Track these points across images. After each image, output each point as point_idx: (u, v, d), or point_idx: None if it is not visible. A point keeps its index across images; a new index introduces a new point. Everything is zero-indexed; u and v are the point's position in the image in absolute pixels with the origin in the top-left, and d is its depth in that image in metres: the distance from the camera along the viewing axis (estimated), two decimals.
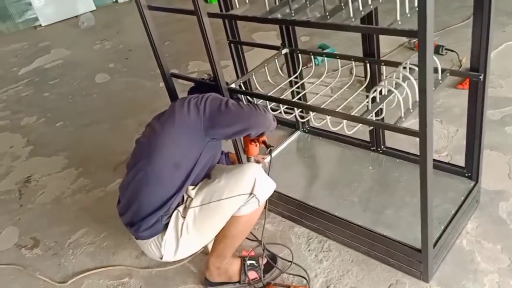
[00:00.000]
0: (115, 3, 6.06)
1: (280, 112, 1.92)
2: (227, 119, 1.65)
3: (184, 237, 1.65)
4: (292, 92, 2.24)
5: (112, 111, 3.47)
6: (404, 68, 1.69)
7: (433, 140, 2.24)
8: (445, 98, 2.71)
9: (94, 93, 3.83)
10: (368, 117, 1.55)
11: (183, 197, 1.70)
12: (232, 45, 2.42)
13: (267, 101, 1.91)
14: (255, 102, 1.93)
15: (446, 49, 3.16)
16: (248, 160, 2.03)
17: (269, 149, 1.97)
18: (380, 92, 1.68)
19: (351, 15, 1.43)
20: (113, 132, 3.19)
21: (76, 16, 5.73)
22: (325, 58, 2.11)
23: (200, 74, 3.73)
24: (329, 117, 1.68)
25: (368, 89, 1.99)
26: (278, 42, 2.27)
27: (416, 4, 1.36)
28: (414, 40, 3.31)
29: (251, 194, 1.63)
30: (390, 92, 1.61)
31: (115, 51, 4.61)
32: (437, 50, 3.16)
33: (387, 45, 3.27)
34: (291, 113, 1.89)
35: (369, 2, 1.49)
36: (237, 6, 1.77)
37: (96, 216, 2.43)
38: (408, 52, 3.31)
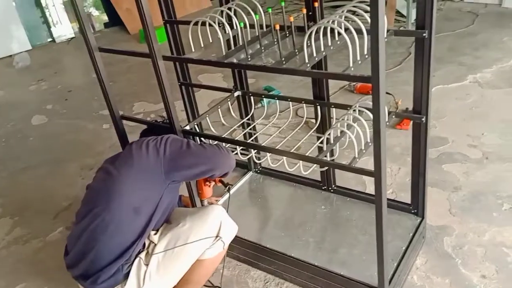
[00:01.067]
0: (52, 42, 5.89)
1: (236, 154, 1.92)
2: (189, 160, 1.62)
3: (147, 285, 1.57)
4: (245, 133, 2.26)
5: (51, 154, 3.30)
6: (354, 110, 1.78)
7: None
8: (387, 137, 2.86)
9: (31, 136, 3.63)
10: (322, 158, 1.60)
11: (144, 243, 1.62)
12: (183, 87, 2.42)
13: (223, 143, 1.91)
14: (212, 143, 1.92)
15: None
16: (202, 203, 2.00)
17: (227, 188, 1.95)
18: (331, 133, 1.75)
19: (306, 60, 1.49)
20: (52, 177, 3.02)
21: (11, 56, 5.48)
22: (276, 101, 2.17)
23: (146, 115, 3.68)
24: (285, 158, 1.71)
25: (319, 130, 2.06)
26: (224, 84, 2.31)
27: (365, 52, 1.47)
28: (354, 84, 3.50)
29: (217, 237, 1.60)
30: (342, 133, 1.68)
31: (53, 92, 4.43)
32: None
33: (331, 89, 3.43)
34: (247, 155, 1.90)
35: (322, 49, 1.57)
36: (193, 50, 1.79)
37: (35, 269, 2.24)
38: (348, 94, 3.49)
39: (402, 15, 4.61)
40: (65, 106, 4.08)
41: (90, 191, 1.69)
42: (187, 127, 1.95)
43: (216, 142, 1.78)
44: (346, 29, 1.44)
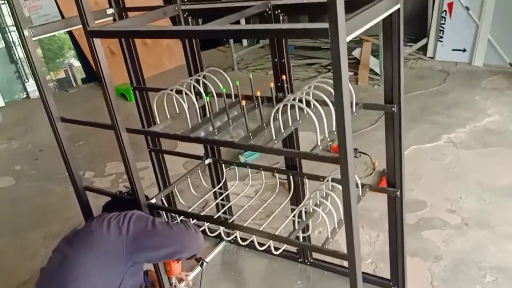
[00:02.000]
0: (26, 99, 5.80)
1: (204, 230, 1.82)
2: (155, 241, 1.51)
3: None
4: (217, 204, 2.16)
5: (15, 221, 3.12)
6: (327, 181, 1.72)
7: None
8: (364, 201, 2.78)
9: None
10: (294, 236, 1.51)
11: None
12: (152, 153, 2.34)
13: (190, 218, 1.81)
14: (178, 219, 1.82)
15: (360, 152, 3.34)
16: (170, 280, 1.87)
17: (200, 262, 1.84)
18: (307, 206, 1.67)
19: (274, 137, 1.44)
20: (13, 247, 2.83)
21: None
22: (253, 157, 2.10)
23: (118, 176, 3.56)
24: (255, 236, 1.61)
25: (292, 201, 1.99)
26: (195, 150, 2.23)
27: (334, 129, 1.42)
28: (330, 143, 3.47)
29: None
30: (315, 208, 1.60)
31: (23, 151, 4.29)
32: None
33: (307, 147, 3.39)
34: (216, 231, 1.80)
35: (290, 124, 1.53)
36: (158, 121, 1.73)
37: None
38: (326, 154, 3.45)
39: (376, 73, 4.70)
40: (34, 166, 3.93)
41: (44, 276, 1.55)
42: (153, 200, 1.86)
43: (183, 220, 1.68)
44: (317, 101, 1.41)
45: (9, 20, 5.75)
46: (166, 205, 2.12)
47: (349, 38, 1.10)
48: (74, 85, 6.09)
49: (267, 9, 1.62)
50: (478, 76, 4.53)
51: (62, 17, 5.88)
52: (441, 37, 5.05)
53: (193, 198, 2.11)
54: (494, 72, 4.55)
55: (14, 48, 5.77)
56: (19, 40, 5.92)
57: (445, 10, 4.95)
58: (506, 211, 2.55)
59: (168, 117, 1.73)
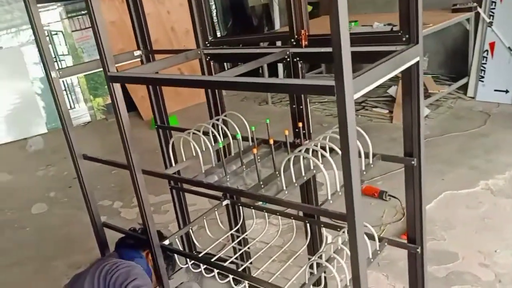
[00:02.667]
0: None
1: (214, 276, 1.78)
2: None
3: None
4: (234, 247, 2.12)
5: (43, 249, 3.19)
6: (344, 232, 1.65)
7: None
8: (390, 249, 2.67)
9: (27, 226, 3.56)
10: None
11: None
12: (173, 190, 2.35)
13: (201, 263, 1.78)
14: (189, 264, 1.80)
15: (389, 195, 3.22)
16: None
17: None
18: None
19: (284, 187, 1.40)
20: (39, 275, 2.89)
21: (25, 138, 5.62)
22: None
23: None
24: None
25: (309, 248, 1.92)
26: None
27: (363, 169, 1.37)
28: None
29: None
30: (330, 259, 1.53)
31: (58, 178, 4.44)
32: (381, 196, 3.22)
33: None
34: (227, 277, 1.76)
35: (303, 173, 1.49)
36: (172, 164, 1.74)
37: None
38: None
39: None
40: (67, 194, 4.05)
41: None
42: (166, 242, 1.84)
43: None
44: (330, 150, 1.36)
45: (59, 49, 6.11)
46: (183, 244, 2.10)
47: (357, 96, 1.06)
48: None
49: (286, 56, 1.62)
50: None
51: None
52: (482, 77, 4.88)
53: (212, 238, 2.09)
54: None
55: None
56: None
57: (487, 50, 4.81)
58: None
59: (184, 159, 1.74)
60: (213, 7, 6.69)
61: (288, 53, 1.61)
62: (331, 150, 1.44)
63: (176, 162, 1.93)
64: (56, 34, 6.08)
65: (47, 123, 5.87)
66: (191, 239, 2.13)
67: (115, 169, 4.28)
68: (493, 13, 4.71)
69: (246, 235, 2.09)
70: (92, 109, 6.20)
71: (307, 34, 1.58)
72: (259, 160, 1.66)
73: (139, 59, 2.08)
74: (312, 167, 1.49)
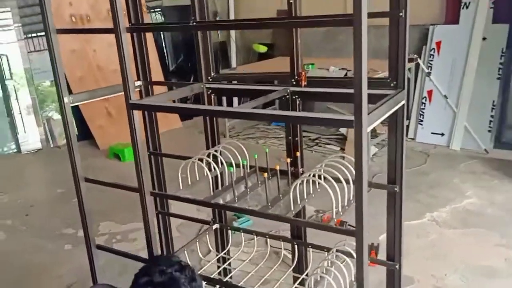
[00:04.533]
0: (17, 153, 5.84)
1: None
2: None
3: None
4: (221, 269, 2.25)
5: (4, 279, 3.08)
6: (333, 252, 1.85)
7: None
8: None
9: None
10: None
11: None
12: (160, 215, 2.44)
13: None
14: None
15: (349, 225, 3.48)
16: None
17: None
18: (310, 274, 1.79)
19: (292, 208, 1.60)
20: None
21: None
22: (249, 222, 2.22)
23: (112, 236, 3.59)
24: None
25: (295, 269, 2.10)
26: (198, 214, 2.35)
27: (351, 198, 1.59)
28: (321, 215, 3.63)
29: None
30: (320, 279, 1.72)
31: (13, 205, 4.28)
32: (341, 225, 3.48)
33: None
34: None
35: (305, 196, 1.69)
36: (181, 187, 1.87)
37: None
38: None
39: None
40: (25, 222, 3.92)
41: None
42: None
43: None
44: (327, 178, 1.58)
45: (7, 73, 5.94)
46: None
47: (369, 129, 1.30)
48: (51, 143, 6.09)
49: (286, 94, 1.85)
50: (456, 159, 4.85)
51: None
52: (421, 121, 5.43)
53: (197, 262, 2.20)
54: (471, 156, 4.89)
55: (10, 100, 5.89)
56: (16, 92, 6.02)
57: (425, 97, 5.39)
58: None
59: (181, 186, 1.88)
60: (164, 43, 6.86)
61: (288, 91, 1.84)
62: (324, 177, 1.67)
63: (164, 186, 2.04)
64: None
65: None
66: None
67: (75, 197, 4.22)
68: (431, 64, 5.32)
69: (235, 257, 2.23)
70: (43, 134, 6.02)
71: (306, 75, 1.82)
72: (260, 185, 1.85)
73: (138, 89, 2.21)
74: (311, 191, 1.70)
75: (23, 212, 4.11)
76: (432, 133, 5.36)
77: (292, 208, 1.59)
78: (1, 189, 4.68)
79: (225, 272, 2.25)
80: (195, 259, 2.21)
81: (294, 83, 1.85)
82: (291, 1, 1.70)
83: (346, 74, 4.78)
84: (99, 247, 2.07)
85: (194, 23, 1.92)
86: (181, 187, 1.84)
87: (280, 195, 1.71)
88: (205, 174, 1.84)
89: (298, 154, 1.87)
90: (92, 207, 4.11)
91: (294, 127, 1.90)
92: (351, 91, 1.72)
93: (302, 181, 1.62)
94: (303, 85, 1.82)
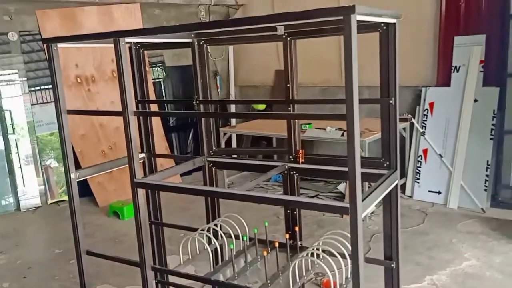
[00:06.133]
0: (16, 211, 5.84)
1: None
2: None
3: None
4: None
5: None
6: None
7: None
8: None
9: None
10: None
11: None
12: (159, 285, 2.45)
13: None
14: None
15: None
16: None
17: None
18: None
19: (291, 286, 1.63)
20: None
21: None
22: None
23: None
24: None
25: None
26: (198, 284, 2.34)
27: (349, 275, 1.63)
28: (321, 277, 3.61)
29: None
30: None
31: (11, 267, 4.25)
32: None
33: None
34: None
35: (304, 273, 1.73)
36: (181, 262, 1.91)
37: None
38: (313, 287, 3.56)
39: None
40: (22, 284, 3.88)
41: None
42: None
43: None
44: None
45: (10, 128, 6.05)
46: None
47: (364, 214, 1.37)
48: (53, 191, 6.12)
49: (285, 170, 1.93)
50: (453, 218, 4.87)
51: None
52: (418, 179, 5.51)
53: None
54: (468, 215, 4.92)
55: (11, 153, 5.96)
56: (17, 145, 6.06)
57: (421, 155, 5.49)
58: None
59: (181, 259, 1.92)
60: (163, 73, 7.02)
61: (287, 167, 1.93)
62: (324, 251, 1.71)
63: (164, 256, 2.09)
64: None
65: None
66: None
67: (73, 258, 4.20)
68: (425, 124, 5.47)
69: None
70: (43, 186, 6.05)
71: (304, 153, 1.91)
72: (259, 259, 1.89)
73: (142, 160, 2.30)
74: (310, 268, 1.74)
75: (20, 274, 4.07)
76: (429, 191, 5.42)
77: (291, 286, 1.62)
78: (0, 249, 4.66)
79: None
80: None
81: (292, 159, 1.93)
82: (288, 85, 1.82)
83: (342, 135, 4.90)
84: None
85: (197, 102, 2.03)
86: (181, 262, 1.88)
87: (279, 272, 1.74)
88: (205, 248, 1.89)
89: (297, 229, 1.93)
90: (89, 269, 4.10)
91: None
92: (346, 169, 1.81)
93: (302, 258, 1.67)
94: (300, 162, 1.90)
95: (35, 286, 3.83)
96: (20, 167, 6.02)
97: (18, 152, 6.03)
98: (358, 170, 1.24)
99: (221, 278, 1.77)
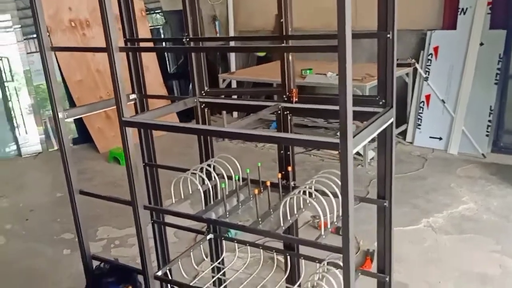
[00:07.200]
0: (17, 156, 5.88)
1: None
2: None
3: None
4: (215, 278, 2.28)
5: (2, 284, 3.12)
6: (324, 264, 1.89)
7: None
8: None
9: None
10: None
11: None
12: (155, 225, 2.47)
13: None
14: None
15: None
16: None
17: None
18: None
19: (282, 224, 1.63)
20: None
21: None
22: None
23: (110, 241, 3.63)
24: None
25: (288, 280, 2.13)
26: (193, 223, 2.36)
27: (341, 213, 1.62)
28: (317, 220, 3.66)
29: None
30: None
31: (14, 210, 4.33)
32: (338, 231, 3.51)
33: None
34: None
35: (295, 211, 1.72)
36: (173, 201, 1.90)
37: None
38: (311, 230, 3.61)
39: (359, 154, 5.00)
40: (25, 227, 3.97)
41: None
42: (159, 273, 1.98)
43: None
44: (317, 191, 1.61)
45: (8, 75, 5.98)
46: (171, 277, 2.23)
47: (355, 151, 1.33)
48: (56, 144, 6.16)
49: (278, 110, 1.88)
50: (453, 164, 4.87)
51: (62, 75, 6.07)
52: (419, 125, 5.45)
53: (192, 269, 2.23)
54: (468, 161, 4.91)
55: (11, 101, 5.93)
56: (17, 93, 6.06)
57: (423, 101, 5.41)
58: None
59: (173, 198, 1.91)
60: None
61: (280, 107, 1.87)
62: (317, 190, 1.70)
63: (159, 197, 2.08)
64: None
65: None
66: (174, 270, 2.26)
67: None
68: (429, 69, 5.34)
69: (229, 267, 2.26)
70: (44, 135, 6.06)
71: (297, 92, 1.85)
72: (251, 199, 1.88)
73: (133, 101, 2.24)
74: (302, 206, 1.73)
75: (23, 217, 4.15)
76: (430, 137, 5.38)
77: (282, 224, 1.62)
78: (2, 193, 4.73)
79: (220, 281, 2.29)
80: (190, 268, 2.24)
81: (286, 99, 1.87)
82: (282, 20, 1.73)
83: None
84: (94, 257, 2.11)
85: (188, 39, 1.95)
86: (173, 201, 1.88)
87: (271, 210, 1.74)
88: (198, 188, 1.87)
89: (290, 168, 1.90)
90: (89, 212, 4.15)
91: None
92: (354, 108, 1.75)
93: (293, 196, 1.66)
94: (294, 101, 1.85)
95: (37, 228, 3.91)
96: (22, 114, 6.01)
97: (18, 100, 5.99)
98: (350, 101, 1.19)
99: (213, 217, 1.77)
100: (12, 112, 5.95)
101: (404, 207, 3.93)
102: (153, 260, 2.51)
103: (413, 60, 5.36)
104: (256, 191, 1.67)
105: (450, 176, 4.57)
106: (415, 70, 5.42)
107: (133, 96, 2.24)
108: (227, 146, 5.78)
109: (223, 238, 2.32)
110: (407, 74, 5.48)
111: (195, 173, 1.90)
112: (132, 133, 1.72)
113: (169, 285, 2.02)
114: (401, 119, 5.72)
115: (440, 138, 5.29)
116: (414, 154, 5.23)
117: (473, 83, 5.01)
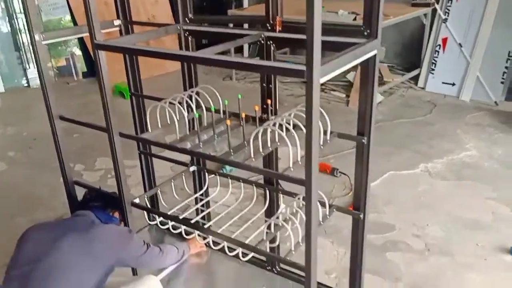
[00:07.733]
0: (27, 87, 5.92)
1: (180, 232, 1.97)
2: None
3: None
4: (197, 209, 2.31)
5: (4, 206, 3.24)
6: (299, 199, 1.88)
7: (324, 260, 2.42)
8: (337, 219, 2.96)
9: None
10: (262, 246, 1.66)
11: None
12: (142, 155, 2.49)
13: (169, 220, 1.96)
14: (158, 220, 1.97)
15: (340, 172, 3.50)
16: None
17: None
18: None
19: (252, 155, 1.60)
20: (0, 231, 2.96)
21: None
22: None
23: (108, 172, 3.70)
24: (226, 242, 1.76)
25: (267, 213, 2.14)
26: (182, 156, 2.36)
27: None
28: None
29: None
30: (286, 221, 1.76)
31: (18, 138, 4.42)
32: (332, 172, 3.50)
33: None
34: (192, 233, 1.95)
35: (269, 144, 1.68)
36: (149, 130, 1.88)
37: None
38: (300, 168, 3.60)
39: None
40: (27, 154, 4.06)
41: (26, 253, 1.72)
42: (137, 200, 2.00)
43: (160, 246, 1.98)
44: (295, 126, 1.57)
45: (17, 7, 5.90)
46: (149, 206, 2.26)
47: (323, 80, 1.26)
48: (75, 76, 6.20)
49: (261, 39, 1.79)
50: (463, 110, 4.72)
51: (69, 7, 6.00)
52: (433, 70, 5.25)
53: (176, 201, 2.26)
54: (480, 108, 4.75)
55: (19, 34, 5.90)
56: (25, 27, 6.06)
57: (439, 44, 5.16)
58: (468, 243, 2.72)
59: (160, 126, 1.88)
60: None
61: (262, 36, 1.78)
62: (295, 126, 1.65)
63: (147, 129, 2.07)
64: None
65: (4, 83, 5.73)
66: (159, 200, 2.29)
67: (76, 132, 4.31)
68: (448, 10, 5.05)
69: (210, 198, 2.28)
70: (52, 69, 6.08)
71: (281, 20, 1.75)
72: (230, 131, 1.84)
73: (118, 28, 2.17)
74: (277, 140, 1.69)
75: (26, 145, 4.24)
76: (443, 82, 5.20)
77: (252, 156, 1.59)
78: (8, 121, 4.81)
79: (200, 212, 2.31)
80: (172, 200, 2.27)
81: (269, 28, 1.78)
82: None
83: (355, 19, 4.58)
84: (76, 182, 2.14)
85: None
86: (149, 130, 1.86)
87: (245, 142, 1.70)
88: (177, 117, 1.84)
89: (269, 101, 1.84)
90: (91, 143, 4.21)
91: (269, 74, 1.85)
92: (327, 38, 1.66)
93: (273, 129, 1.61)
94: (277, 30, 1.75)
95: (39, 156, 4.00)
96: (30, 48, 5.98)
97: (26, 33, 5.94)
98: (318, 24, 1.10)
99: (188, 147, 1.75)
100: (20, 45, 5.92)
101: (405, 152, 3.87)
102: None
103: (433, 0, 5.06)
104: (228, 122, 1.63)
105: (458, 122, 4.44)
106: (434, 11, 5.13)
107: (117, 22, 2.16)
108: (235, 85, 5.70)
109: (205, 170, 2.32)
110: (425, 15, 5.20)
111: (173, 103, 1.86)
112: (105, 57, 1.67)
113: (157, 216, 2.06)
114: (415, 63, 5.51)
115: (453, 84, 5.10)
116: (424, 99, 5.08)
117: (493, 27, 4.74)
